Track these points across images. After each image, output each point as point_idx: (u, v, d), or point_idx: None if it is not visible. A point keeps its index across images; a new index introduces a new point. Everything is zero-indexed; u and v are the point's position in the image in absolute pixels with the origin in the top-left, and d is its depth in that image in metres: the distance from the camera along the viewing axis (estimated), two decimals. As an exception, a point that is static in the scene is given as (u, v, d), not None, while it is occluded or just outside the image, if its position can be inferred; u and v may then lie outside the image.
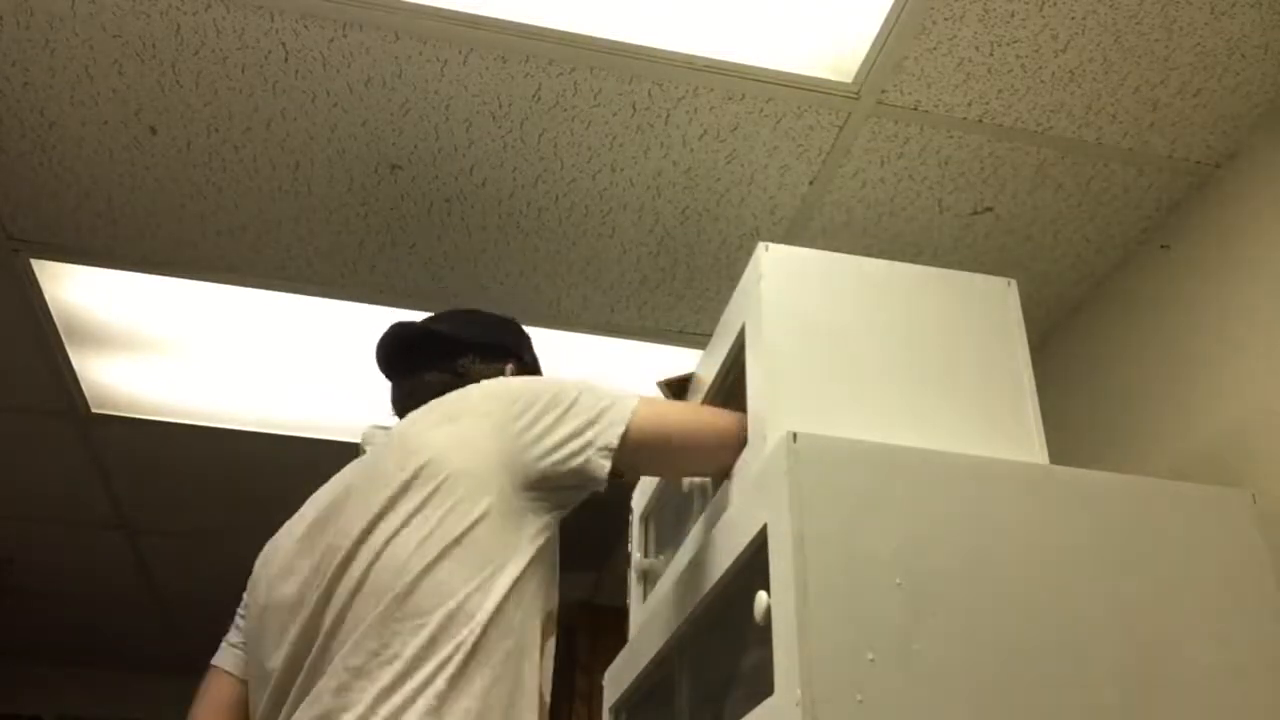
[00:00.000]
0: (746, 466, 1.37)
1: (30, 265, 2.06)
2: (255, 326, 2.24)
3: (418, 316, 2.18)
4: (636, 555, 1.91)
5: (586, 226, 1.96)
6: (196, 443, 2.64)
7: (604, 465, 1.32)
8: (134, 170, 1.84)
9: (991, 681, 1.12)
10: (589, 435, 1.32)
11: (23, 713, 4.12)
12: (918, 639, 1.12)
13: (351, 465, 1.40)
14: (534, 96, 1.69)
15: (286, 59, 1.63)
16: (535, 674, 1.23)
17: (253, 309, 2.18)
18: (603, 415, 1.33)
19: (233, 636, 1.45)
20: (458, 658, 1.16)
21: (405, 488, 1.25)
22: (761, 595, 1.16)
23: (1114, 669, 1.17)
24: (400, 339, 1.55)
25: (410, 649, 1.16)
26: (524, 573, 1.24)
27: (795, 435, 1.19)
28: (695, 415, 1.47)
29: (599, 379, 2.34)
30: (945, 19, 1.55)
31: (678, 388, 1.73)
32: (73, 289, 2.13)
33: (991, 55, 1.61)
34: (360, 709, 1.13)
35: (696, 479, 1.62)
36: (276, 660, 1.26)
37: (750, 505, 1.28)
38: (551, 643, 1.30)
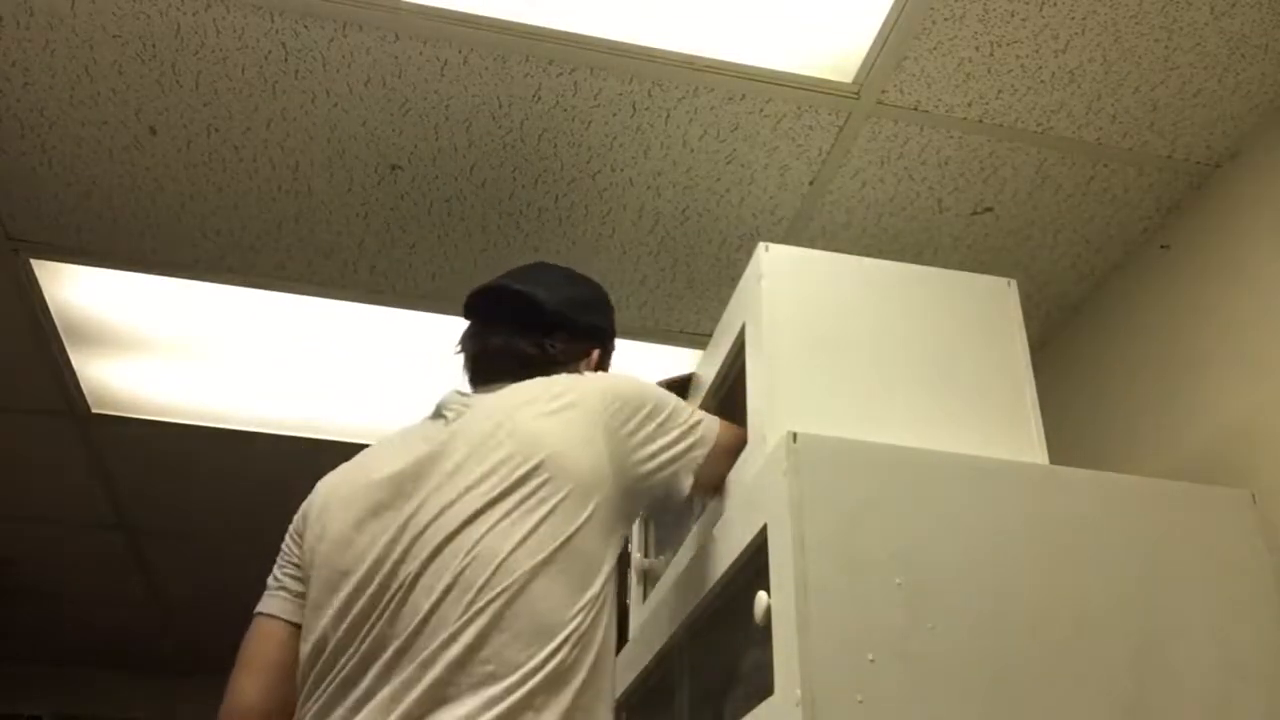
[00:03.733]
0: (746, 466, 1.37)
1: (30, 265, 2.06)
2: (255, 326, 2.24)
3: (418, 316, 2.18)
4: (636, 555, 1.91)
5: (586, 226, 1.96)
6: (196, 443, 2.64)
7: (688, 481, 1.34)
8: (134, 170, 1.84)
9: (991, 681, 1.12)
10: (682, 448, 1.34)
11: (23, 713, 4.12)
12: (918, 639, 1.12)
13: (428, 428, 1.33)
14: (534, 96, 1.69)
15: (286, 59, 1.63)
16: (610, 680, 1.21)
17: (253, 309, 2.18)
18: (693, 430, 1.37)
19: (283, 580, 1.33)
20: (555, 669, 1.13)
21: (520, 482, 1.20)
22: (761, 595, 1.16)
23: (1114, 668, 1.17)
24: (496, 293, 1.48)
25: (514, 658, 1.11)
26: (608, 581, 1.23)
27: (795, 435, 1.20)
28: (736, 436, 1.44)
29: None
30: (945, 19, 1.55)
31: (678, 388, 1.73)
32: (73, 289, 2.13)
33: (991, 55, 1.61)
34: (463, 711, 1.09)
35: None
36: (326, 621, 1.20)
37: (750, 505, 1.28)
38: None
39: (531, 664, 1.11)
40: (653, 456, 1.30)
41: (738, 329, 1.51)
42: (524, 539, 1.17)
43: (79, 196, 1.90)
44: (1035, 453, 1.38)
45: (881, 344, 1.41)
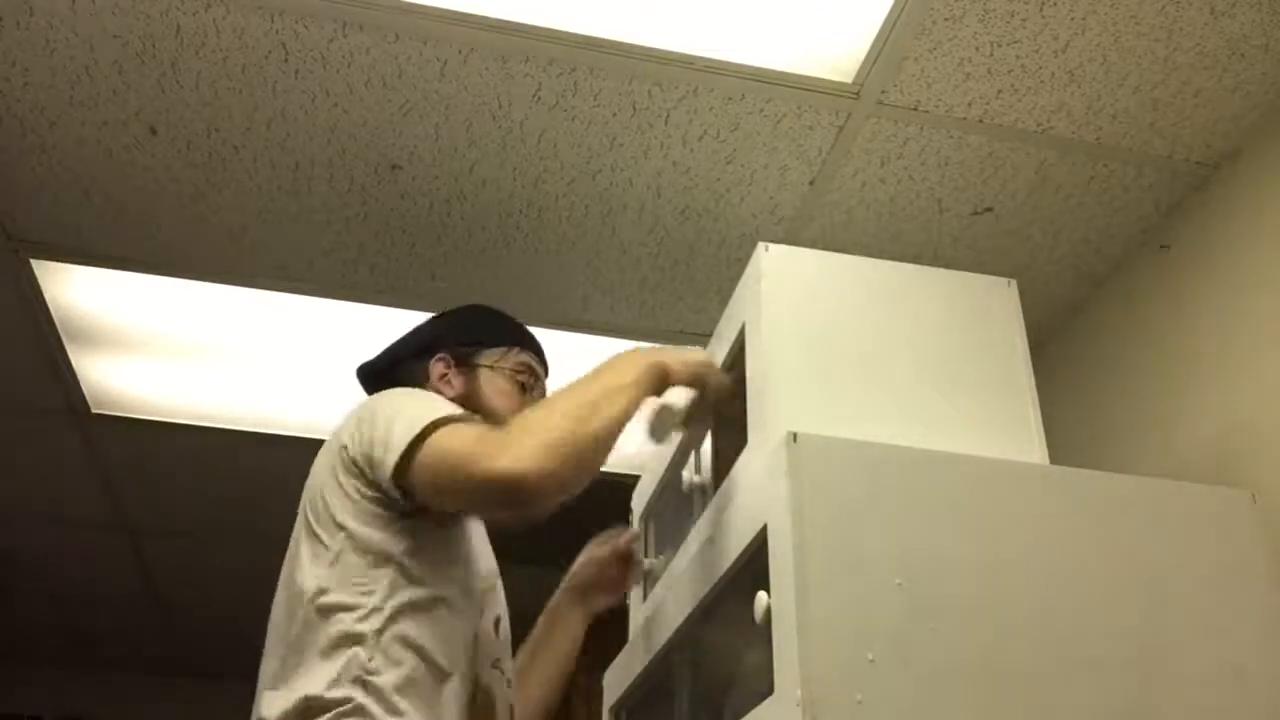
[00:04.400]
0: (747, 466, 1.37)
1: (30, 265, 2.06)
2: (255, 326, 2.24)
3: (418, 317, 2.18)
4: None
5: (586, 226, 1.96)
6: (196, 443, 2.64)
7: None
8: (134, 170, 1.84)
9: (991, 682, 1.12)
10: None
11: (23, 713, 4.11)
12: (918, 639, 1.12)
13: None
14: (534, 96, 1.69)
15: (286, 59, 1.63)
16: None
17: (253, 309, 2.18)
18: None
19: None
20: None
21: None
22: (761, 595, 1.16)
23: (1114, 668, 1.17)
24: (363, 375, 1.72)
25: None
26: None
27: (795, 435, 1.20)
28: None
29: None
30: (945, 19, 1.55)
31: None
32: (73, 289, 2.13)
33: (991, 55, 1.61)
34: None
35: (697, 479, 1.62)
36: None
37: (750, 505, 1.28)
38: None
39: None
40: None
41: (738, 329, 1.51)
42: None
43: (79, 196, 1.90)
44: (1035, 453, 1.38)
45: (882, 344, 1.41)
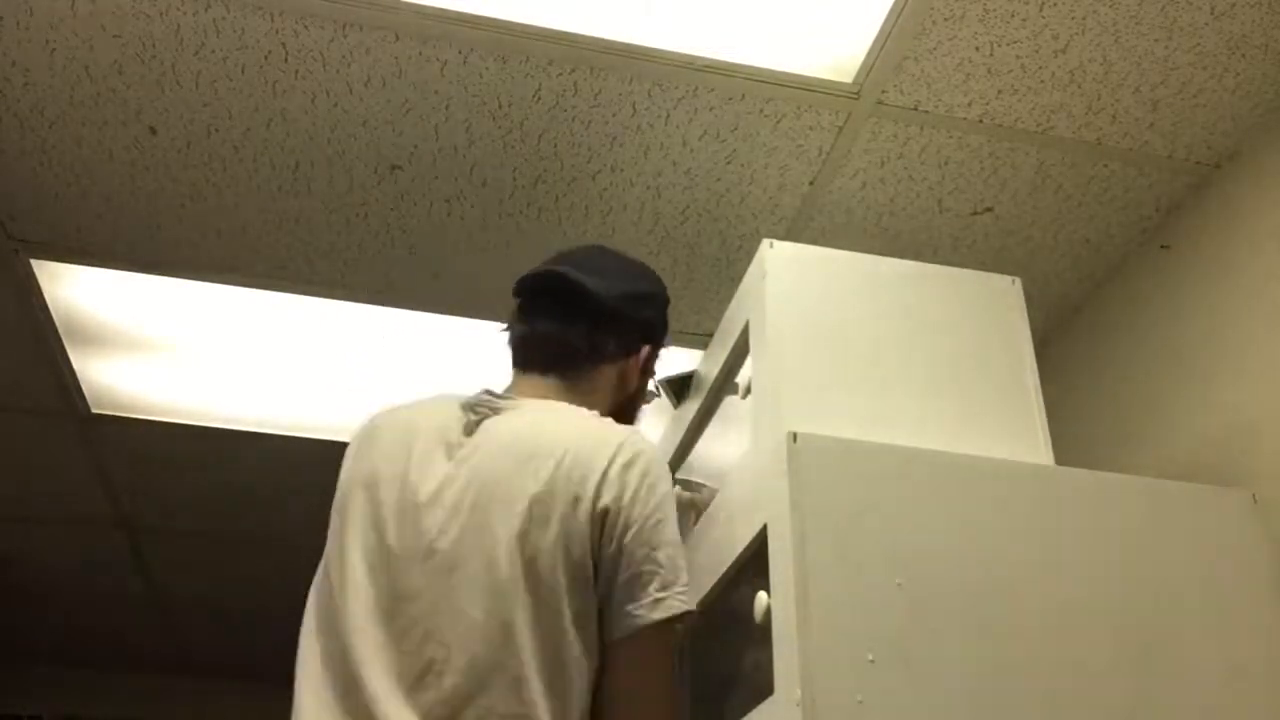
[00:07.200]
0: (747, 467, 1.37)
1: (30, 265, 2.06)
2: (255, 326, 2.24)
3: (418, 317, 2.17)
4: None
5: (586, 227, 1.95)
6: (196, 443, 2.64)
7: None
8: (134, 170, 1.84)
9: (991, 682, 1.12)
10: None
11: (23, 713, 4.11)
12: (918, 639, 1.12)
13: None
14: (534, 96, 1.69)
15: (286, 59, 1.63)
16: None
17: (253, 309, 2.18)
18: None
19: None
20: None
21: None
22: (761, 595, 1.16)
23: (1114, 668, 1.17)
24: (551, 279, 1.40)
25: None
26: None
27: (795, 435, 1.20)
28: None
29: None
30: (945, 19, 1.55)
31: (679, 386, 1.73)
32: (73, 289, 2.13)
33: (991, 55, 1.61)
34: None
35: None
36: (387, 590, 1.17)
37: (750, 505, 1.27)
38: None
39: None
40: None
41: (741, 326, 1.50)
42: None
43: (79, 196, 1.90)
44: (1041, 453, 1.37)
45: (885, 342, 1.41)
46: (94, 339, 2.28)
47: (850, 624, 1.10)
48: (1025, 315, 1.49)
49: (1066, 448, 1.89)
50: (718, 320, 1.68)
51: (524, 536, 1.14)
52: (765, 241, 1.46)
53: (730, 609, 1.34)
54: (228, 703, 3.87)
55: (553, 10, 1.55)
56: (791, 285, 1.43)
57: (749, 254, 1.51)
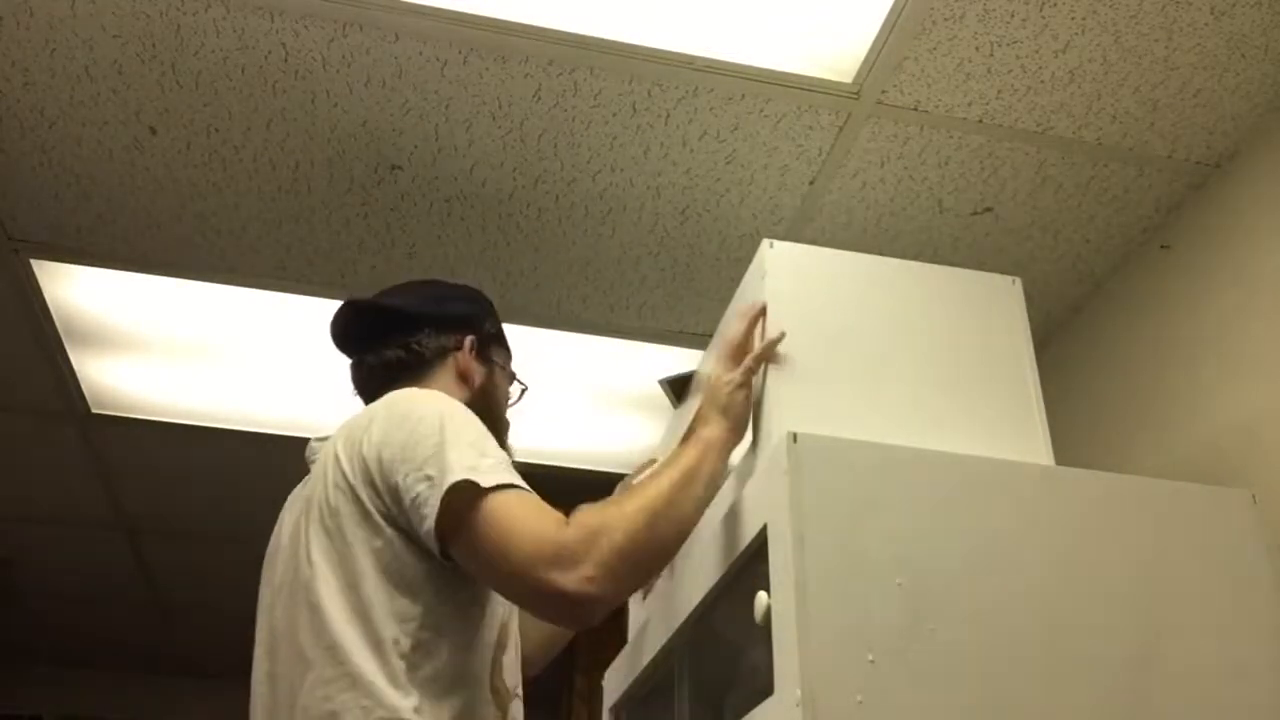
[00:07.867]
0: (747, 467, 1.37)
1: (30, 265, 2.06)
2: (255, 326, 2.24)
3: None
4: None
5: (586, 227, 1.96)
6: (196, 443, 2.64)
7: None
8: (134, 170, 1.84)
9: (992, 682, 1.12)
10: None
11: (23, 713, 4.11)
12: (918, 639, 1.12)
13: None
14: (534, 96, 1.69)
15: (286, 59, 1.63)
16: None
17: (253, 309, 2.18)
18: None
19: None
20: None
21: None
22: (761, 595, 1.16)
23: (1114, 669, 1.17)
24: (353, 314, 1.47)
25: None
26: None
27: (795, 435, 1.19)
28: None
29: (600, 379, 2.32)
30: (945, 19, 1.55)
31: (679, 386, 1.73)
32: (73, 289, 2.13)
33: (991, 55, 1.61)
34: None
35: None
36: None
37: (750, 505, 1.27)
38: None
39: None
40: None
41: (739, 327, 1.50)
42: None
43: (79, 196, 1.90)
44: (1041, 453, 1.37)
45: (885, 342, 1.41)
46: (94, 339, 2.28)
47: (850, 624, 1.10)
48: (1025, 315, 1.49)
49: (1066, 448, 1.89)
50: (717, 320, 1.68)
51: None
52: (765, 241, 1.46)
53: (730, 609, 1.34)
54: (228, 703, 3.88)
55: (553, 10, 1.55)
56: (791, 285, 1.43)
57: (748, 255, 1.51)
